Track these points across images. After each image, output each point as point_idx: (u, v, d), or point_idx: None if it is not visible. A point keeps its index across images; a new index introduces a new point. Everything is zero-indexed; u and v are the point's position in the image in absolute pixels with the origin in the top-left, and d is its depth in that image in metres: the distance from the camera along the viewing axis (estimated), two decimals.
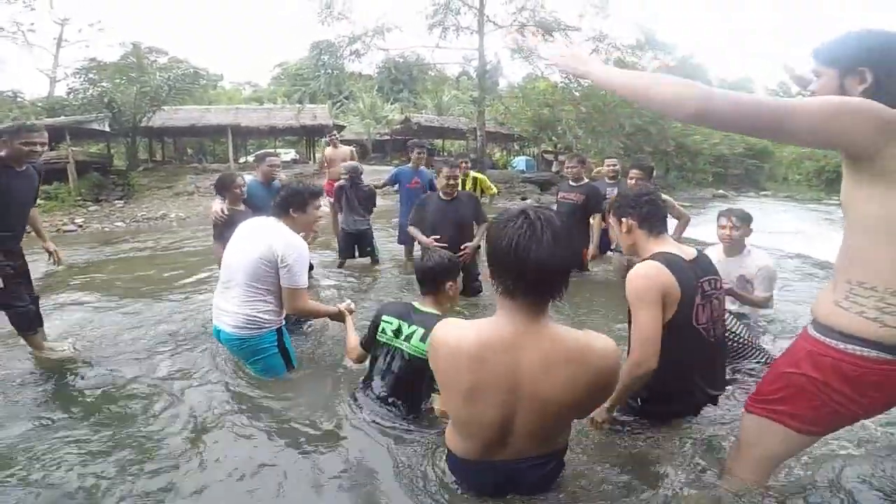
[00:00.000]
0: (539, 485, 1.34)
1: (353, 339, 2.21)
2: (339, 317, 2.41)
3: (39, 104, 17.68)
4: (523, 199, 13.83)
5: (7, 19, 18.49)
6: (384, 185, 5.06)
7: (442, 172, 3.63)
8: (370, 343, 2.06)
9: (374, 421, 1.92)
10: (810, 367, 1.13)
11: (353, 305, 2.48)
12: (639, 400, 1.80)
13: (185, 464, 1.78)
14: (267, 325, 2.28)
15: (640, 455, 1.71)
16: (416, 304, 2.02)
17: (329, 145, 6.25)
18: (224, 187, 3.39)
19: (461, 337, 1.18)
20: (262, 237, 2.23)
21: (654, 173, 4.86)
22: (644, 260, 1.70)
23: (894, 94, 1.04)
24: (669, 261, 1.64)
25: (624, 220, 1.79)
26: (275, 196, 2.45)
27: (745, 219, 2.82)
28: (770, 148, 29.43)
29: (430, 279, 1.98)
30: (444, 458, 1.46)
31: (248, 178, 3.76)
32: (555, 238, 1.07)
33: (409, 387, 1.89)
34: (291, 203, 2.30)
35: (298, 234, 2.32)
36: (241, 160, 20.23)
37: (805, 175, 30.96)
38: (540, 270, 1.07)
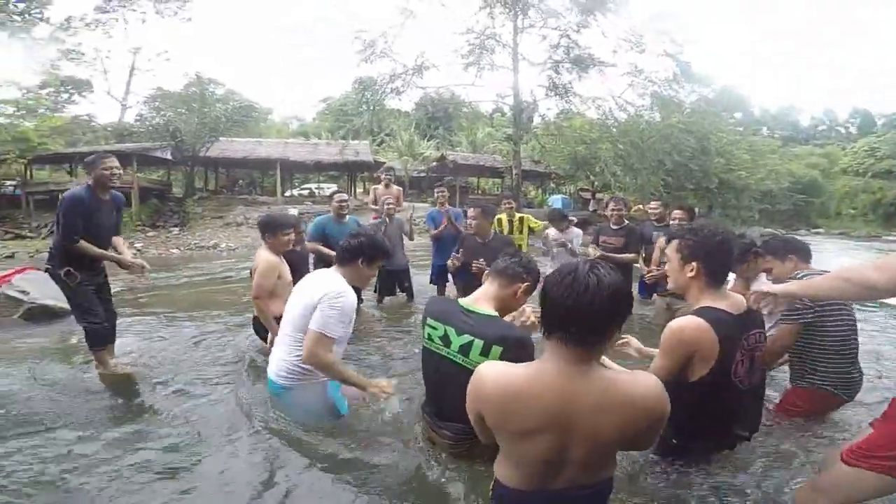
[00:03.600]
0: None
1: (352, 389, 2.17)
2: (356, 385, 2.17)
3: (109, 129, 19.39)
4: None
5: (89, 46, 20.48)
6: (438, 233, 4.97)
7: (474, 216, 3.70)
8: None
9: (429, 448, 1.85)
10: None
11: (390, 387, 2.15)
12: (673, 440, 1.79)
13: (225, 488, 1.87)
14: (308, 377, 2.17)
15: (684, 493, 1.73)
16: (464, 302, 1.79)
17: (382, 184, 5.97)
18: (269, 229, 3.03)
19: (511, 379, 1.20)
20: (313, 287, 2.14)
21: (697, 212, 4.81)
22: (691, 313, 1.71)
23: None
24: (714, 318, 1.64)
25: (694, 262, 1.73)
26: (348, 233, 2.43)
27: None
28: (820, 181, 28.14)
29: (511, 272, 1.78)
30: (492, 489, 1.37)
31: (323, 216, 4.15)
32: (609, 294, 1.11)
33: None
34: (365, 254, 2.20)
35: (355, 284, 2.23)
36: (287, 193, 21.26)
37: (860, 209, 29.28)
38: (592, 323, 1.12)
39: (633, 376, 1.22)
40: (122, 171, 3.05)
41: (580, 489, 1.26)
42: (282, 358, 2.21)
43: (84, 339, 3.06)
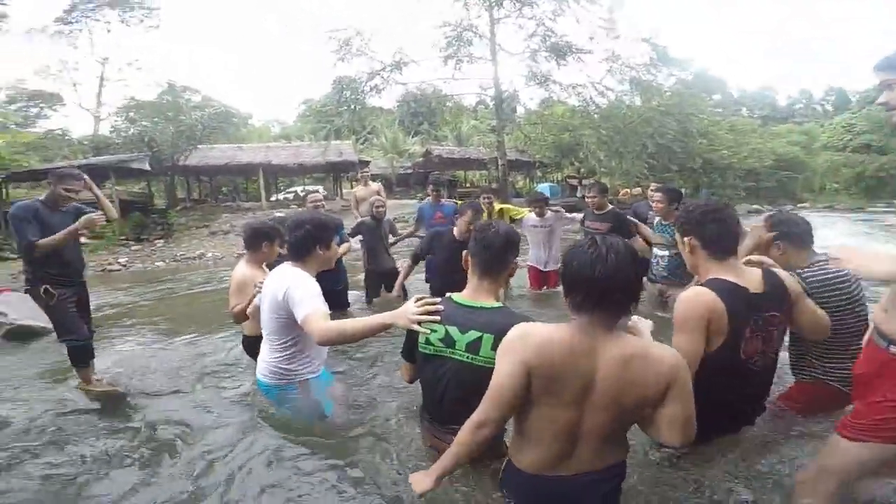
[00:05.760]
0: None
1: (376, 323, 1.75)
2: (387, 324, 1.74)
3: (86, 142, 18.93)
4: None
5: (54, 58, 19.96)
6: (417, 228, 5.08)
7: (464, 216, 3.55)
8: (412, 355, 1.73)
9: (432, 455, 1.75)
10: None
11: (417, 312, 1.64)
12: None
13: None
14: (288, 377, 2.18)
15: (692, 479, 1.68)
16: (457, 297, 1.66)
17: (360, 183, 6.21)
18: (266, 237, 2.74)
19: (552, 335, 1.26)
20: (273, 287, 2.10)
21: (684, 192, 4.80)
22: (698, 284, 1.67)
23: None
24: (721, 289, 1.59)
25: (687, 238, 1.72)
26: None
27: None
28: (801, 157, 28.56)
29: (499, 255, 1.64)
30: (501, 473, 1.42)
31: None
32: (620, 260, 1.19)
33: (477, 404, 1.40)
34: (318, 239, 2.15)
35: (322, 269, 2.21)
36: (273, 198, 20.97)
37: (843, 183, 29.73)
38: (606, 289, 1.20)
39: (650, 341, 1.32)
40: (81, 191, 2.98)
41: (590, 475, 1.29)
42: (263, 359, 2.24)
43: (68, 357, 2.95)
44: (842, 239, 9.96)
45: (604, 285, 1.19)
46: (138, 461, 2.14)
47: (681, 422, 1.26)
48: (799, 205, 25.19)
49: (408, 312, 1.64)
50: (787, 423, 1.99)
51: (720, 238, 1.67)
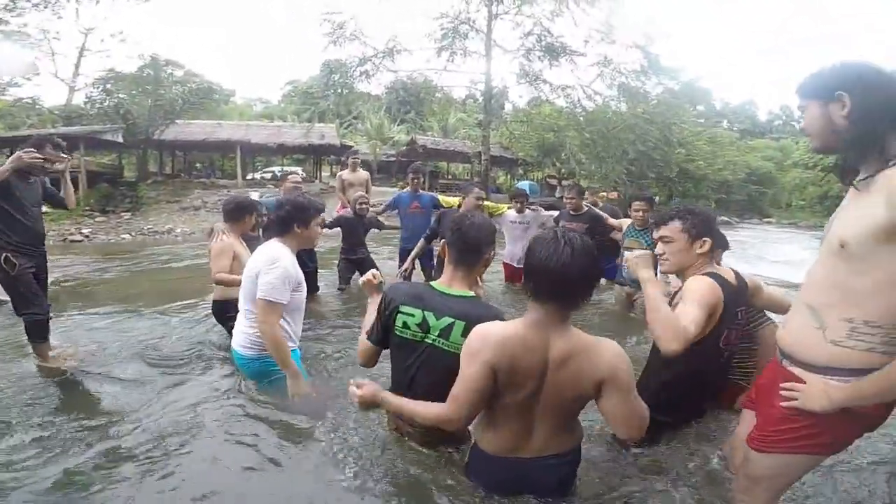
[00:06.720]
0: (555, 489, 1.45)
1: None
2: (293, 376, 2.19)
3: (56, 112, 18.05)
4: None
5: (35, 27, 18.76)
6: (384, 210, 5.16)
7: (472, 194, 3.96)
8: (383, 339, 1.76)
9: (396, 437, 1.80)
10: None
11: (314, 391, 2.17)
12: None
13: (168, 478, 1.78)
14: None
15: (647, 469, 1.78)
16: (435, 284, 1.73)
17: (349, 168, 6.01)
18: (247, 210, 3.05)
19: (517, 332, 1.33)
20: (254, 259, 2.26)
21: (657, 200, 4.95)
22: (701, 275, 1.74)
23: (873, 116, 1.12)
24: (723, 283, 1.73)
25: (706, 239, 1.79)
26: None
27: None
28: (773, 173, 29.57)
29: (473, 247, 1.69)
30: (466, 456, 1.52)
31: (271, 198, 4.01)
32: (575, 254, 1.26)
33: (447, 389, 1.46)
34: (295, 219, 2.28)
35: (303, 247, 2.39)
36: (249, 177, 20.47)
37: (808, 200, 30.96)
38: (562, 280, 1.27)
39: (597, 337, 1.37)
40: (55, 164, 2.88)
41: (547, 458, 1.39)
42: (242, 331, 2.31)
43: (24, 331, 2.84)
44: (802, 254, 10.36)
45: (559, 277, 1.26)
46: (89, 444, 2.03)
47: (622, 416, 1.32)
48: (765, 219, 26.21)
49: (301, 392, 2.06)
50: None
51: (722, 239, 1.92)
